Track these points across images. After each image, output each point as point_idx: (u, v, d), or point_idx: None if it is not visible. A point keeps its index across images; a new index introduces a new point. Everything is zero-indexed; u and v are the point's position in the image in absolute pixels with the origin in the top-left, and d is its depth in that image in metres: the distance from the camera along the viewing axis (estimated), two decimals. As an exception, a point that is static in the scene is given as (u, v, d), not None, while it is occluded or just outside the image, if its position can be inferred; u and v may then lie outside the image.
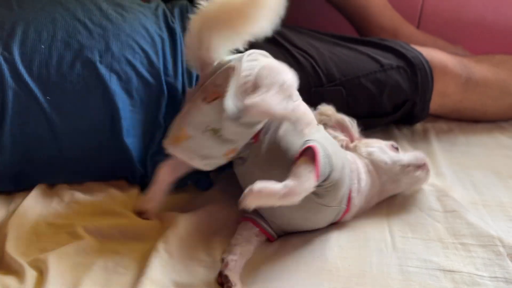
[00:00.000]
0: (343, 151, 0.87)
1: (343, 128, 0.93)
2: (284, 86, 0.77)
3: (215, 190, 0.98)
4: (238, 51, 0.84)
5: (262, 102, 0.74)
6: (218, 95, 0.79)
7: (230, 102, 0.76)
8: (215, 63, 0.83)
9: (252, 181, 0.73)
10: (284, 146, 0.80)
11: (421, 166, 0.90)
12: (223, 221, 0.88)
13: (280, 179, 0.73)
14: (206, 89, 0.81)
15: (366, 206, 0.87)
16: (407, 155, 0.91)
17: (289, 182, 0.70)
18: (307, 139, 0.78)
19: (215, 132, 0.80)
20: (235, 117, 0.77)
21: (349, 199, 0.83)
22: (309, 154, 0.74)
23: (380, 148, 0.90)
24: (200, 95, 0.81)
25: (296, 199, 0.70)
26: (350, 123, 0.94)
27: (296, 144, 0.79)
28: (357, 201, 0.85)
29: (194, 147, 0.82)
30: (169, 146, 0.84)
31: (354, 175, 0.85)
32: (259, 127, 0.82)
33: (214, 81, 0.81)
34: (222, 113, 0.77)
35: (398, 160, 0.88)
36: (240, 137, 0.82)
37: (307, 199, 0.73)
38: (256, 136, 0.83)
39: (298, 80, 0.82)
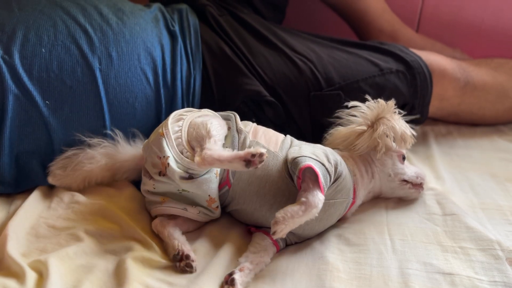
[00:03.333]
0: (329, 149, 0.87)
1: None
2: (211, 133, 0.80)
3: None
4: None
5: (206, 155, 0.77)
6: (163, 165, 0.81)
7: (175, 167, 0.80)
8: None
9: (249, 217, 0.84)
10: (263, 172, 0.82)
11: (417, 185, 0.92)
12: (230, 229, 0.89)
13: (275, 201, 0.80)
14: (154, 164, 0.83)
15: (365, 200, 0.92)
16: (410, 170, 0.92)
17: (303, 199, 0.74)
18: (296, 156, 0.80)
19: (188, 192, 0.83)
20: (189, 177, 0.81)
21: (354, 191, 0.86)
22: (307, 173, 0.77)
23: (391, 159, 0.92)
24: (153, 170, 0.84)
25: (316, 211, 0.74)
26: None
27: (273, 165, 0.82)
28: (361, 193, 0.88)
29: (179, 201, 0.85)
30: (157, 210, 0.86)
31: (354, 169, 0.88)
32: (211, 175, 0.83)
33: (154, 153, 0.82)
34: (176, 179, 0.80)
35: (400, 174, 0.91)
36: (207, 189, 0.82)
37: None
38: (227, 182, 0.84)
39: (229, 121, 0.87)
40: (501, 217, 0.89)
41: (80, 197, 0.93)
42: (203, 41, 1.05)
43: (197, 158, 0.77)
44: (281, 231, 0.73)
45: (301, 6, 1.50)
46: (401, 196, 0.93)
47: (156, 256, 0.80)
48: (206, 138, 0.79)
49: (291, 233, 0.82)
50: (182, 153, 0.80)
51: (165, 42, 1.01)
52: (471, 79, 1.17)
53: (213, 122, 0.82)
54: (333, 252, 0.81)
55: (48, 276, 0.74)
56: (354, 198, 0.86)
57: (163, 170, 0.81)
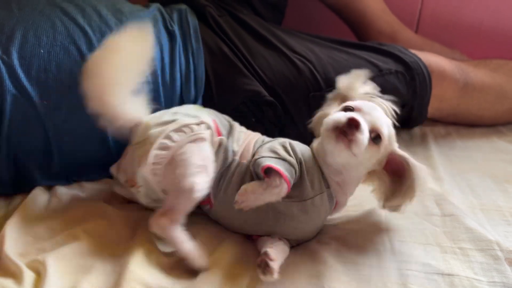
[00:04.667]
0: (293, 142, 0.83)
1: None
2: (192, 196, 0.76)
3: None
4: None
5: (161, 226, 0.76)
6: (133, 184, 0.81)
7: (149, 195, 0.81)
8: (139, 125, 0.83)
9: (238, 230, 0.84)
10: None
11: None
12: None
13: (258, 216, 0.79)
14: (125, 171, 0.83)
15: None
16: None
17: (266, 179, 0.74)
18: (255, 158, 0.78)
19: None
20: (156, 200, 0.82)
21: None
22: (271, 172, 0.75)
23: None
24: (123, 175, 0.84)
25: (278, 191, 0.74)
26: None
27: (247, 179, 0.80)
28: (341, 182, 0.81)
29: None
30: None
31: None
32: None
33: (127, 166, 0.82)
34: (145, 199, 0.82)
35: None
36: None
37: (289, 207, 0.78)
38: (208, 201, 0.83)
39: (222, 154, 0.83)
40: (500, 218, 0.89)
41: (78, 197, 0.93)
42: (202, 41, 1.05)
43: (153, 219, 0.77)
44: (241, 202, 0.73)
45: (300, 7, 1.50)
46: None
47: (155, 256, 0.80)
48: (181, 201, 0.76)
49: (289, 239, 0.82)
50: (157, 185, 0.80)
51: (164, 42, 1.01)
52: (470, 80, 1.17)
53: (198, 179, 0.77)
54: (332, 253, 0.81)
55: (46, 276, 0.74)
56: (329, 187, 0.81)
57: (132, 186, 0.82)
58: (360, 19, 1.36)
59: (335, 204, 0.83)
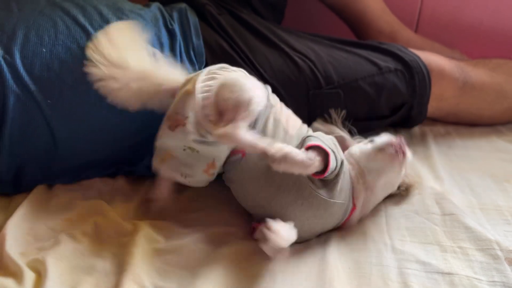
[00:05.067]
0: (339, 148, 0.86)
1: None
2: (251, 107, 0.76)
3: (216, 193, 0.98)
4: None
5: (230, 133, 0.73)
6: (178, 123, 0.80)
7: (192, 130, 0.78)
8: (181, 84, 0.84)
9: (251, 196, 0.82)
10: None
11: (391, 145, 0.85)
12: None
13: (282, 183, 0.78)
14: (170, 117, 0.81)
15: (365, 209, 0.88)
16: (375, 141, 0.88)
17: (309, 151, 0.75)
18: (307, 135, 0.79)
19: (193, 150, 0.82)
20: (202, 141, 0.79)
21: (353, 197, 0.85)
22: (316, 150, 0.76)
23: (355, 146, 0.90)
24: (166, 123, 0.82)
25: (309, 170, 0.74)
26: (348, 139, 0.94)
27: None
28: (362, 199, 0.85)
29: (176, 166, 0.83)
30: (156, 166, 0.85)
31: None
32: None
33: (175, 108, 0.81)
34: (188, 138, 0.79)
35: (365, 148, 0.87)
36: (216, 153, 0.82)
37: (313, 196, 0.78)
38: (242, 150, 0.83)
39: (266, 90, 0.83)
40: (500, 217, 0.89)
41: (79, 197, 0.93)
42: (202, 39, 1.05)
43: (220, 131, 0.74)
44: (276, 151, 0.72)
45: (300, 7, 1.50)
46: (386, 172, 0.87)
47: (155, 256, 0.80)
48: (241, 111, 0.74)
49: None
50: (206, 116, 0.77)
51: (164, 41, 1.00)
52: (470, 79, 1.17)
53: (255, 92, 0.77)
54: (333, 252, 0.81)
55: (47, 276, 0.74)
56: (354, 204, 0.85)
57: (177, 126, 0.79)
58: (360, 19, 1.36)
59: (345, 219, 0.85)
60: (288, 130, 0.84)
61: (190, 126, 0.78)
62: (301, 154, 0.74)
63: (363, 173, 0.85)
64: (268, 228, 0.74)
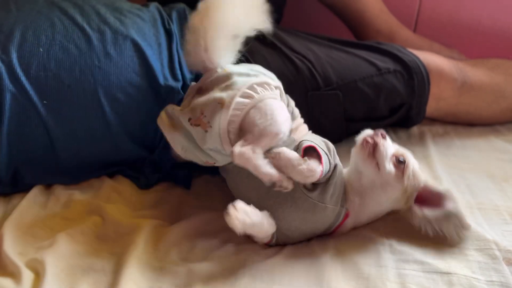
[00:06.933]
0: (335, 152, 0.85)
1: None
2: (274, 140, 0.77)
3: (211, 190, 0.99)
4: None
5: (247, 155, 0.74)
6: (200, 123, 0.80)
7: (210, 140, 0.79)
8: (218, 70, 0.84)
9: (246, 194, 0.81)
10: None
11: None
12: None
13: (270, 189, 0.77)
14: (195, 110, 0.81)
15: (359, 218, 0.86)
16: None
17: (306, 158, 0.74)
18: (302, 139, 0.79)
19: (199, 146, 0.82)
20: (215, 150, 0.80)
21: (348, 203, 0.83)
22: (310, 151, 0.76)
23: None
24: (188, 112, 0.82)
25: (309, 178, 0.74)
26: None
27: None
28: (357, 205, 0.83)
29: (181, 143, 0.84)
30: (164, 127, 0.85)
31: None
32: None
33: (203, 107, 0.80)
34: (202, 141, 0.79)
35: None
36: (220, 159, 0.83)
37: (303, 199, 0.77)
38: None
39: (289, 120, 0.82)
40: (498, 217, 0.89)
41: (77, 197, 0.93)
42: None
43: (237, 150, 0.74)
44: (271, 159, 0.74)
45: (299, 7, 1.50)
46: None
47: (153, 256, 0.80)
48: (265, 141, 0.76)
49: (279, 231, 0.81)
50: (228, 132, 0.78)
51: (162, 41, 1.01)
52: (468, 79, 1.17)
53: (284, 126, 0.78)
54: (331, 252, 0.81)
55: (45, 276, 0.74)
56: (348, 210, 0.83)
57: (198, 126, 0.79)
58: (359, 19, 1.36)
59: (337, 225, 0.84)
60: (296, 139, 0.84)
61: (209, 135, 0.78)
62: (299, 161, 0.74)
63: (359, 177, 0.83)
64: (234, 207, 0.74)
